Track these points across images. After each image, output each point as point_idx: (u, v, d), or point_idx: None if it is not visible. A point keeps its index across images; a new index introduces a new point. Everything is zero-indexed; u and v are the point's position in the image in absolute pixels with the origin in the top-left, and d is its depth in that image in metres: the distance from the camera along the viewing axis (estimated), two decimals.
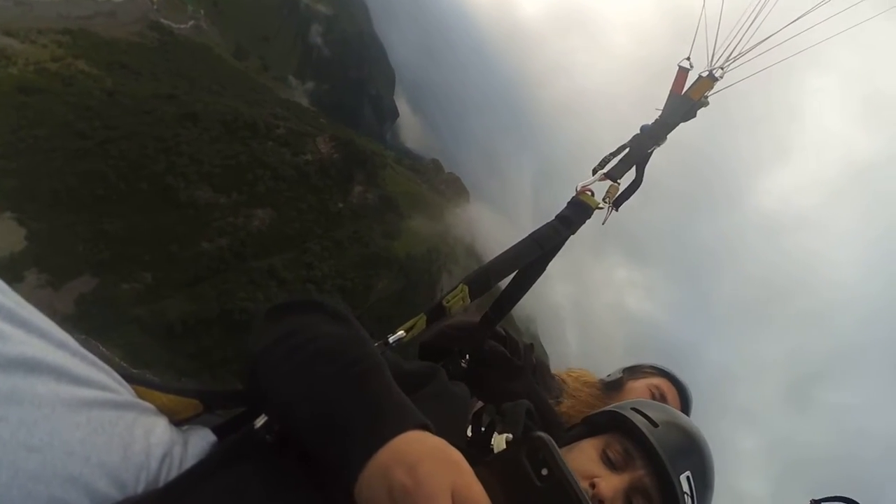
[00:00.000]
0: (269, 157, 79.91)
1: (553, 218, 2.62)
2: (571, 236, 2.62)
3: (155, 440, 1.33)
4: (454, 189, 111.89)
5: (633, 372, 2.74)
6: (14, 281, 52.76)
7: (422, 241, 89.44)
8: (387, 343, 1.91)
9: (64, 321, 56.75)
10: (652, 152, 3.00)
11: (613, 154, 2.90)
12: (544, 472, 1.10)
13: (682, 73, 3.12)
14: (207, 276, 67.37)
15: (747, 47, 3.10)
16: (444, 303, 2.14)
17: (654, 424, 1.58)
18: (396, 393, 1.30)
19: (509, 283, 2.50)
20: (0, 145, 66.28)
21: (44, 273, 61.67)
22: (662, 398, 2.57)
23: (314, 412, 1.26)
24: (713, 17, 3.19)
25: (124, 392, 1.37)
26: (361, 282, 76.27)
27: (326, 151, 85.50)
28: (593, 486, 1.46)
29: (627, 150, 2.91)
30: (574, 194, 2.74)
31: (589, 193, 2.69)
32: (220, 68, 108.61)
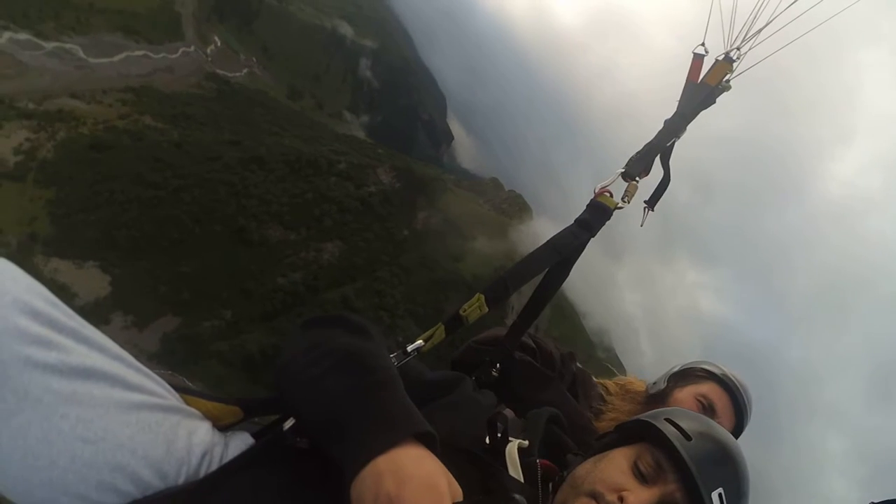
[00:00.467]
0: (334, 191, 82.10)
1: (571, 224, 2.62)
2: (591, 239, 2.61)
3: (197, 440, 1.48)
4: (516, 206, 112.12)
5: (682, 378, 2.70)
6: (101, 323, 55.21)
7: (487, 261, 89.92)
8: (406, 352, 1.97)
9: (150, 359, 60.44)
10: (673, 146, 2.99)
11: (639, 153, 2.88)
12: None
13: (698, 60, 3.08)
14: (283, 309, 68.99)
15: (762, 25, 3.04)
16: (461, 312, 2.20)
17: (688, 437, 1.53)
18: (404, 403, 1.40)
19: (534, 291, 2.54)
20: (79, 200, 69.66)
21: (129, 315, 64.38)
22: (710, 408, 2.54)
23: (324, 418, 1.38)
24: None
25: (172, 399, 1.53)
26: (432, 305, 76.99)
27: (388, 181, 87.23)
28: (621, 499, 1.45)
29: (649, 147, 2.90)
30: (592, 196, 2.74)
31: (607, 195, 2.66)
32: (277, 110, 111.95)
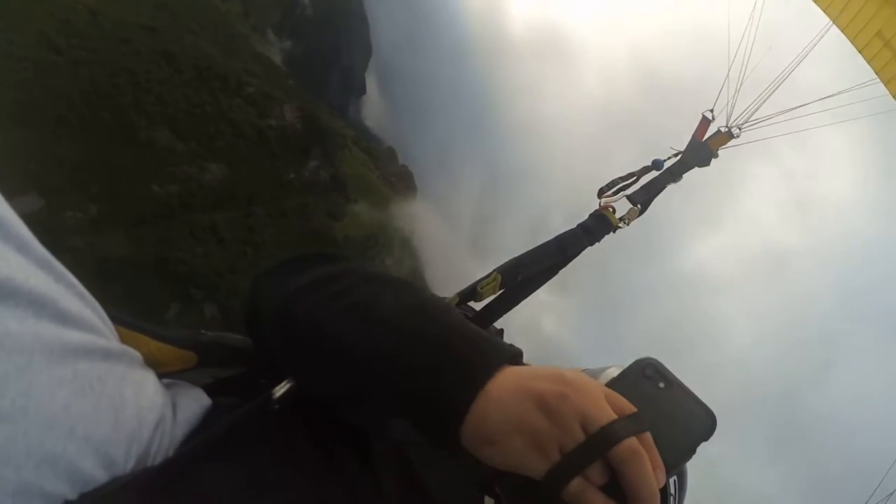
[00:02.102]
0: (234, 113, 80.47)
1: (574, 227, 2.66)
2: (589, 248, 2.66)
3: (146, 402, 1.05)
4: (404, 182, 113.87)
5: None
6: None
7: (362, 227, 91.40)
8: None
9: None
10: (666, 187, 3.08)
11: (622, 178, 2.94)
12: (661, 385, 1.09)
13: (705, 122, 3.23)
14: (151, 220, 67.37)
15: (764, 115, 3.29)
16: (479, 288, 2.15)
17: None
18: (473, 326, 1.14)
19: (518, 283, 2.43)
20: None
21: None
22: None
23: (395, 339, 1.06)
24: (733, 75, 3.46)
25: (110, 335, 1.06)
26: (297, 253, 77.56)
27: (291, 120, 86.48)
28: None
29: (635, 177, 2.99)
30: (597, 208, 2.80)
31: (611, 210, 2.73)
32: (200, 4, 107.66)
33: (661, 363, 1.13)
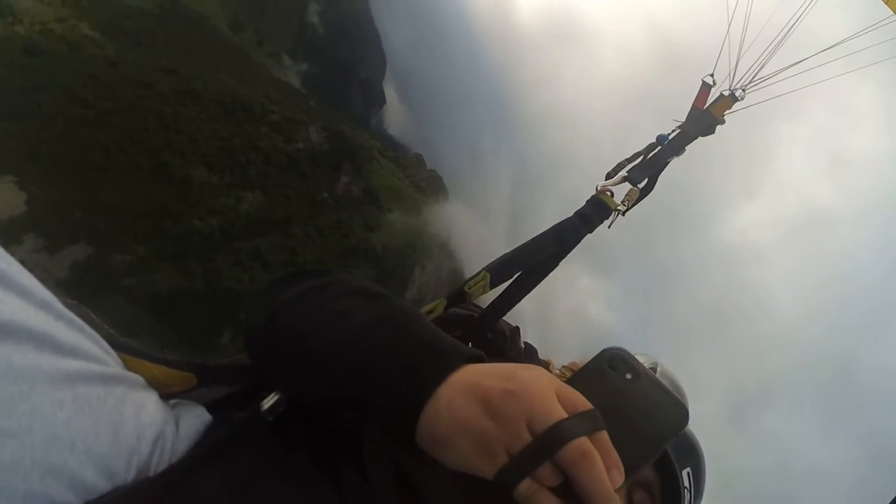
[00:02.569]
0: (263, 141, 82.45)
1: (571, 216, 2.58)
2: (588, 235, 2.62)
3: (146, 419, 1.13)
4: (434, 186, 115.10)
5: None
6: (12, 243, 55.44)
7: (399, 235, 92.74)
8: None
9: (58, 286, 60.38)
10: (669, 162, 3.00)
11: (628, 160, 2.89)
12: (628, 376, 1.07)
13: (705, 88, 3.15)
14: (195, 252, 69.89)
15: (769, 72, 3.17)
16: (466, 289, 2.10)
17: None
18: (443, 334, 1.17)
19: (519, 276, 2.37)
20: (4, 107, 67.40)
21: (41, 238, 63.21)
22: None
23: (358, 354, 1.11)
24: (736, 36, 3.30)
25: (112, 362, 1.16)
26: (339, 269, 79.20)
27: (317, 140, 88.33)
28: None
29: (642, 157, 2.92)
30: (594, 193, 2.72)
31: (608, 194, 2.67)
32: (216, 40, 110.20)
33: (628, 353, 1.12)
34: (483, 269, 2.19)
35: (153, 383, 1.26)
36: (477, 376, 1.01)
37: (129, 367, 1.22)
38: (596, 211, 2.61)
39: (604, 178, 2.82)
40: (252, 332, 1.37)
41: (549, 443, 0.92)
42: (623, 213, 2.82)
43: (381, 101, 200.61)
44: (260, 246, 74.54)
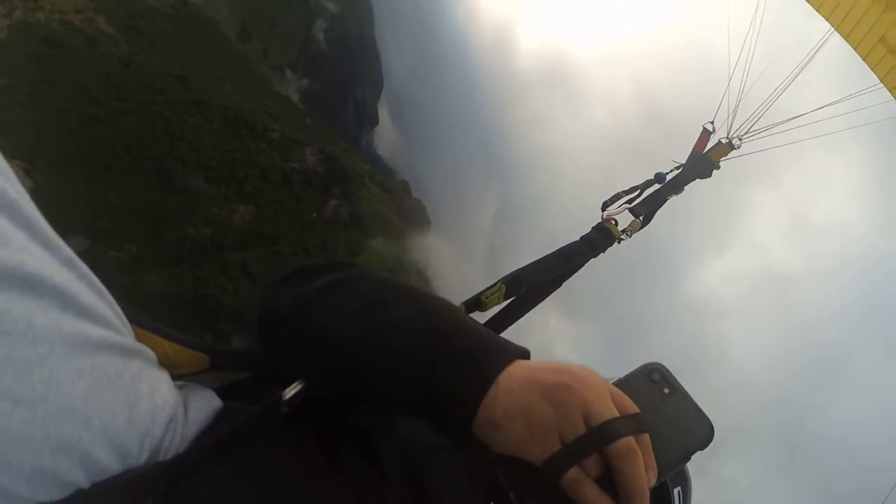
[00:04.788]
0: (261, 158, 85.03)
1: (577, 239, 2.64)
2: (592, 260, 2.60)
3: (160, 400, 1.06)
4: (418, 216, 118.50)
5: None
6: None
7: (380, 261, 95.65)
8: None
9: None
10: (668, 199, 3.07)
11: (626, 192, 2.97)
12: (666, 391, 1.12)
13: (705, 134, 3.24)
14: (187, 259, 72.34)
15: (765, 126, 3.29)
16: (483, 298, 2.15)
17: None
18: (484, 328, 1.20)
19: (524, 293, 2.39)
20: (21, 94, 69.65)
21: None
22: None
23: (408, 347, 1.10)
24: (733, 87, 3.43)
25: (128, 333, 1.09)
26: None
27: (312, 162, 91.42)
28: None
29: (639, 191, 3.01)
30: (599, 220, 2.79)
31: (613, 223, 2.74)
32: (225, 49, 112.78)
33: (668, 370, 1.18)
34: (499, 280, 2.29)
35: (163, 362, 1.19)
36: (533, 370, 1.05)
37: (140, 341, 1.14)
38: (601, 237, 2.70)
39: (601, 208, 2.91)
40: (276, 318, 1.36)
41: (601, 436, 0.97)
42: (619, 242, 2.88)
43: (375, 121, 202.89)
44: (248, 259, 77.00)
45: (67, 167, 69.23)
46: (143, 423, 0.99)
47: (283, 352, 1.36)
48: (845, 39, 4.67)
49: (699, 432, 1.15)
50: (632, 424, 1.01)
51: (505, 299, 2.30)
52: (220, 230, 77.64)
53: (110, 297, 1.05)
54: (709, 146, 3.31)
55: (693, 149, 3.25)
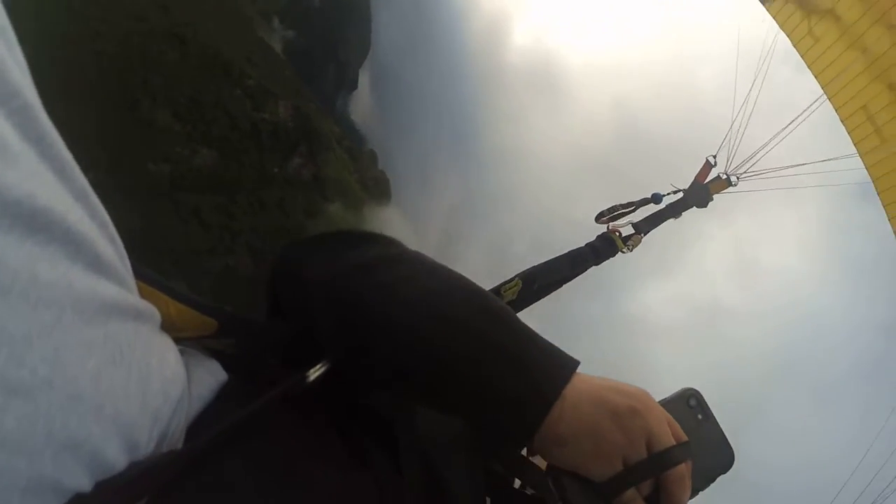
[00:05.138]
0: (233, 104, 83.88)
1: (584, 245, 2.70)
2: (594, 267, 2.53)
3: (169, 373, 0.86)
4: (379, 188, 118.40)
5: None
6: None
7: (334, 226, 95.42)
8: None
9: None
10: (666, 221, 3.18)
11: (623, 206, 3.07)
12: (700, 416, 1.18)
13: (707, 166, 3.33)
14: (140, 194, 71.44)
15: (759, 170, 3.31)
16: (502, 291, 2.18)
17: None
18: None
19: (533, 290, 2.40)
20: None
21: None
22: None
23: (468, 348, 1.04)
24: (731, 127, 3.51)
25: (135, 290, 0.85)
26: (270, 247, 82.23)
27: (283, 116, 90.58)
28: None
29: (634, 206, 3.11)
30: (605, 230, 2.89)
31: (618, 234, 2.79)
32: None
33: (703, 397, 1.25)
34: (517, 276, 2.34)
35: (165, 324, 0.97)
36: (599, 389, 1.06)
37: (144, 298, 0.89)
38: (605, 247, 2.70)
39: (595, 219, 2.86)
40: (303, 282, 1.25)
41: (662, 462, 1.03)
42: (623, 252, 2.75)
43: (353, 86, 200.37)
44: (202, 204, 76.38)
45: (35, 81, 67.13)
46: (155, 404, 0.80)
47: (306, 317, 1.26)
48: (830, 101, 4.73)
49: (725, 458, 1.23)
50: (685, 452, 1.07)
51: (521, 294, 2.37)
52: (180, 170, 76.54)
53: (121, 243, 0.83)
54: (710, 177, 3.37)
55: (695, 178, 3.35)
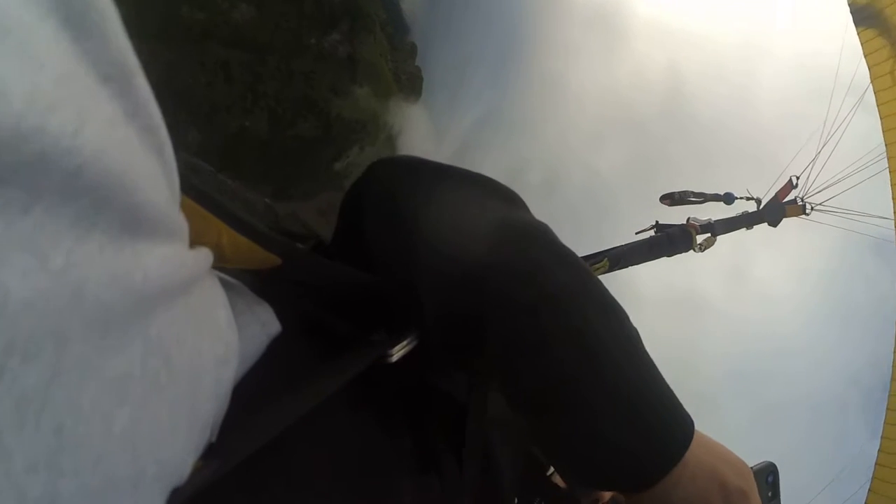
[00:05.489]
0: None
1: (661, 233, 2.64)
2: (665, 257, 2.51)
3: (220, 350, 0.62)
4: (411, 83, 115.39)
5: None
6: None
7: (357, 111, 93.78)
8: None
9: None
10: (738, 230, 3.05)
11: (694, 194, 2.99)
12: (770, 493, 1.14)
13: (789, 186, 3.28)
14: (170, 39, 69.82)
15: (834, 205, 3.25)
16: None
17: None
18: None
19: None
20: None
21: None
22: None
23: (599, 372, 0.86)
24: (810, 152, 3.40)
25: (185, 232, 0.54)
26: (288, 116, 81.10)
27: None
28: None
29: (702, 198, 3.01)
30: (685, 222, 2.83)
31: (696, 231, 2.70)
32: None
33: (779, 475, 1.21)
34: (604, 255, 2.23)
35: (208, 249, 0.66)
36: (714, 459, 0.94)
37: (190, 224, 0.57)
38: (682, 239, 2.63)
39: (660, 199, 2.77)
40: (491, 269, 0.90)
41: None
42: (694, 250, 2.65)
43: None
44: (231, 58, 74.86)
45: None
46: (205, 410, 0.59)
47: (413, 276, 0.93)
48: (887, 146, 4.73)
49: None
50: None
51: (609, 271, 2.30)
52: (215, 21, 73.71)
53: (171, 149, 0.52)
54: (789, 197, 3.35)
55: (775, 195, 3.35)
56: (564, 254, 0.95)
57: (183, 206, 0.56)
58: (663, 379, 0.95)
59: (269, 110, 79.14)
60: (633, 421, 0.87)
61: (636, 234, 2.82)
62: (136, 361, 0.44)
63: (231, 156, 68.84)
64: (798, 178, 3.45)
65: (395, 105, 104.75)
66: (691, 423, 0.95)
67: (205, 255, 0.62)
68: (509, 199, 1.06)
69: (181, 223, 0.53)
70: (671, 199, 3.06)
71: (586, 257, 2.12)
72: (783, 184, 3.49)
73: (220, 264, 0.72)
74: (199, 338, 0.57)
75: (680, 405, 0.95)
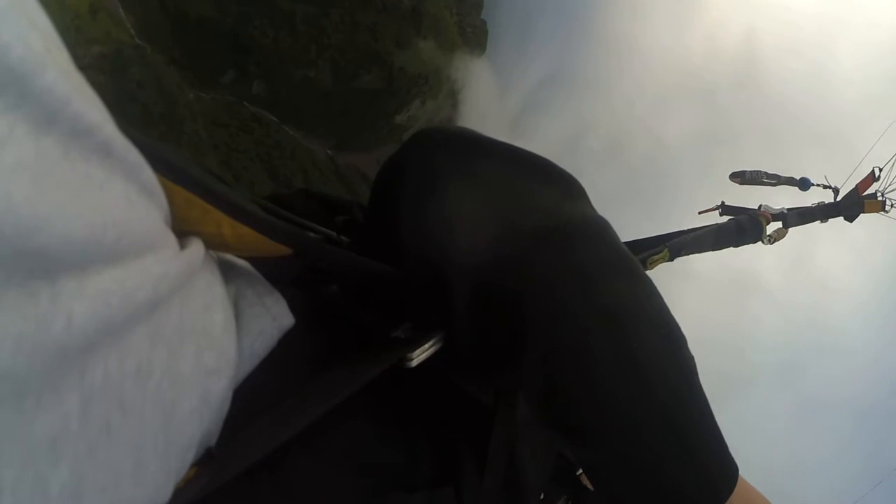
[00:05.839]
0: None
1: (730, 220, 2.53)
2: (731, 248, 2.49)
3: (212, 363, 0.57)
4: (476, 38, 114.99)
5: None
6: None
7: (420, 64, 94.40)
8: None
9: None
10: (813, 223, 2.94)
11: (767, 175, 2.86)
12: None
13: (870, 178, 3.08)
14: None
15: None
16: (648, 262, 1.92)
17: None
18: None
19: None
20: None
21: None
22: None
23: (652, 405, 0.78)
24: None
25: (169, 237, 0.53)
26: (352, 68, 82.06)
27: None
28: None
29: (775, 181, 2.90)
30: (757, 209, 2.79)
31: (766, 221, 2.57)
32: None
33: None
34: (665, 245, 2.11)
35: (213, 242, 0.63)
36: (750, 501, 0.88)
37: (182, 213, 0.56)
38: (752, 230, 2.59)
39: (729, 177, 2.84)
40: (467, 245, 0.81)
41: None
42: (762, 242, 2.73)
43: None
44: (297, 12, 76.15)
45: None
46: (184, 438, 0.53)
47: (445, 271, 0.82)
48: None
49: None
50: None
51: (670, 259, 2.26)
52: None
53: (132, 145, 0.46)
54: (869, 190, 3.21)
55: (856, 186, 3.18)
56: (622, 258, 0.86)
57: (178, 197, 0.54)
58: (714, 417, 0.86)
59: (332, 62, 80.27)
60: (686, 463, 0.80)
61: (699, 213, 2.78)
62: (73, 415, 0.39)
63: (294, 107, 70.58)
64: (881, 169, 3.16)
65: (459, 59, 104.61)
66: (735, 467, 0.87)
67: (195, 256, 0.56)
68: (566, 188, 0.94)
69: (156, 236, 0.48)
70: (742, 177, 2.94)
71: (645, 243, 2.10)
72: (864, 174, 3.26)
73: (223, 251, 0.69)
74: (176, 355, 0.51)
75: (727, 448, 0.87)
